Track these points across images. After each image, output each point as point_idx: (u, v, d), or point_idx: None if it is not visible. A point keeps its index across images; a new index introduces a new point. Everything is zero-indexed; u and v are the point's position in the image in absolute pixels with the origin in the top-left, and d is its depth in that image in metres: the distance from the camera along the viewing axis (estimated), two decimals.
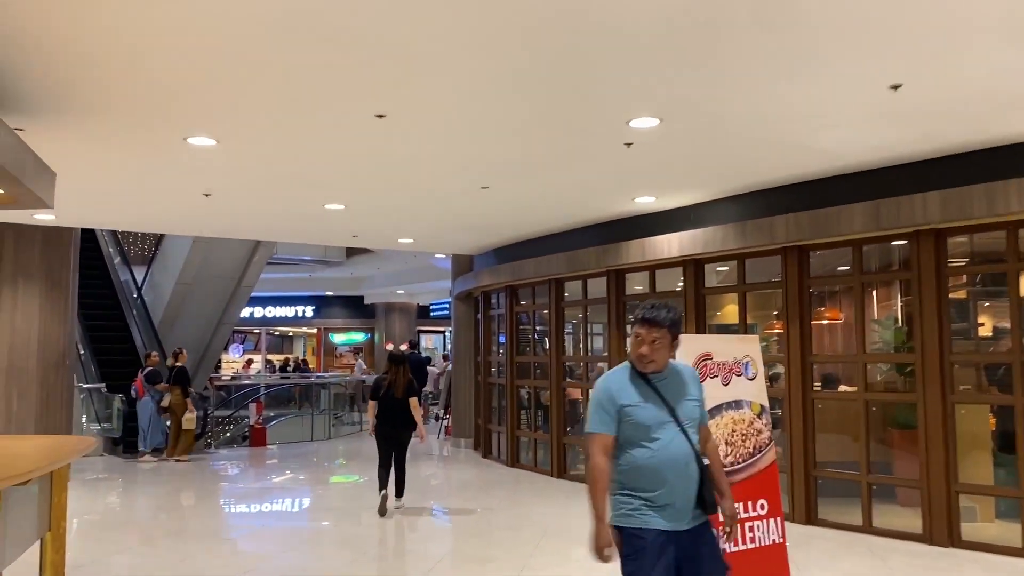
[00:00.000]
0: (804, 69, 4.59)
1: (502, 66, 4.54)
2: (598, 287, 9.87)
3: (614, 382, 3.27)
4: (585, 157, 6.60)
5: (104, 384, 13.82)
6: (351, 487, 10.16)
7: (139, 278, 18.08)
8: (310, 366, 24.43)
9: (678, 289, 8.80)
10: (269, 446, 14.52)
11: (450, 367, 16.02)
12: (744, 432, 4.90)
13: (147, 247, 20.56)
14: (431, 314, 25.78)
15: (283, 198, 8.16)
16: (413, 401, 7.90)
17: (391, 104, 5.17)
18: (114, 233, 18.59)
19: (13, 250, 9.56)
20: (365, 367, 25.54)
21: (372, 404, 7.95)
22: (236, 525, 8.23)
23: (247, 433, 14.93)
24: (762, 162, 6.78)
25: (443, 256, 16.03)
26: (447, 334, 27.57)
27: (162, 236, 18.44)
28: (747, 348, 5.07)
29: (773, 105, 5.25)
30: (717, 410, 4.83)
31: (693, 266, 8.51)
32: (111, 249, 17.65)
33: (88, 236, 18.10)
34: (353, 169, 6.94)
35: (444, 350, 27.83)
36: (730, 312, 9.02)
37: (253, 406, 14.86)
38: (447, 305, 24.61)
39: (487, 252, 12.26)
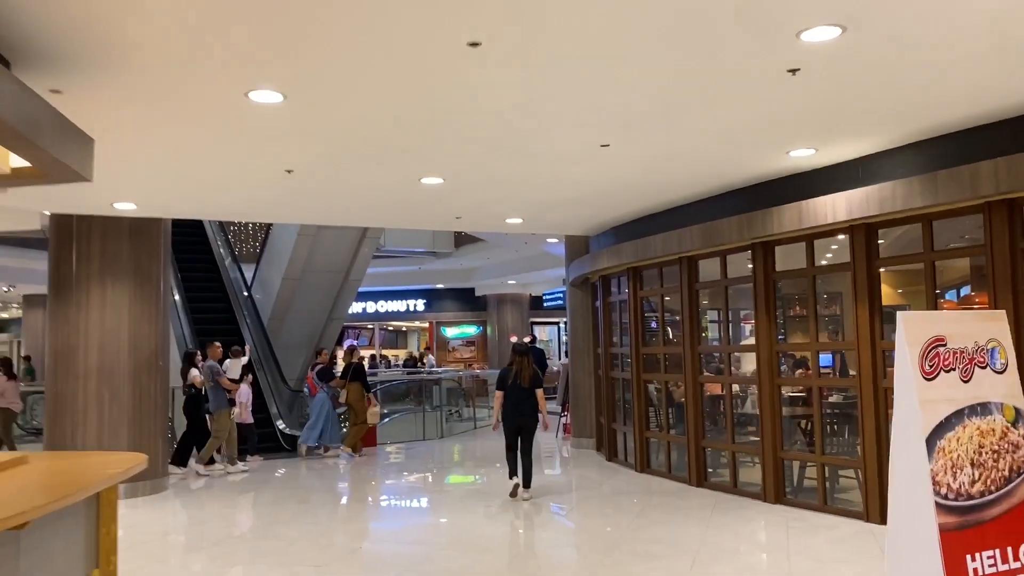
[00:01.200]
0: None
1: None
2: (739, 265, 8.40)
3: None
4: (732, 95, 5.21)
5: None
6: (471, 488, 9.11)
7: (249, 276, 17.79)
8: (432, 361, 23.63)
9: (842, 262, 7.24)
10: (379, 445, 13.75)
11: (565, 361, 15.12)
12: (995, 448, 3.44)
13: (257, 245, 20.39)
14: (544, 304, 24.65)
15: (372, 172, 7.13)
16: (539, 392, 8.30)
17: (485, 31, 3.98)
18: (224, 231, 18.42)
19: (100, 244, 8.99)
20: (435, 362, 24.47)
21: (499, 394, 8.34)
22: (365, 529, 7.31)
23: None
24: (974, 86, 5.19)
25: (555, 240, 14.81)
26: (562, 325, 26.40)
27: (268, 232, 18.08)
28: (992, 329, 3.59)
29: None
30: (957, 418, 3.38)
31: (864, 232, 6.93)
32: (222, 250, 17.41)
33: (199, 235, 18.03)
34: (448, 125, 5.80)
35: (560, 342, 26.67)
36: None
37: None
38: (561, 295, 23.45)
39: (605, 232, 10.96)
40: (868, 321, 6.90)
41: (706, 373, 9.06)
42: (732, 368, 8.74)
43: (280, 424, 14.05)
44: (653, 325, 10.19)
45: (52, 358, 9.03)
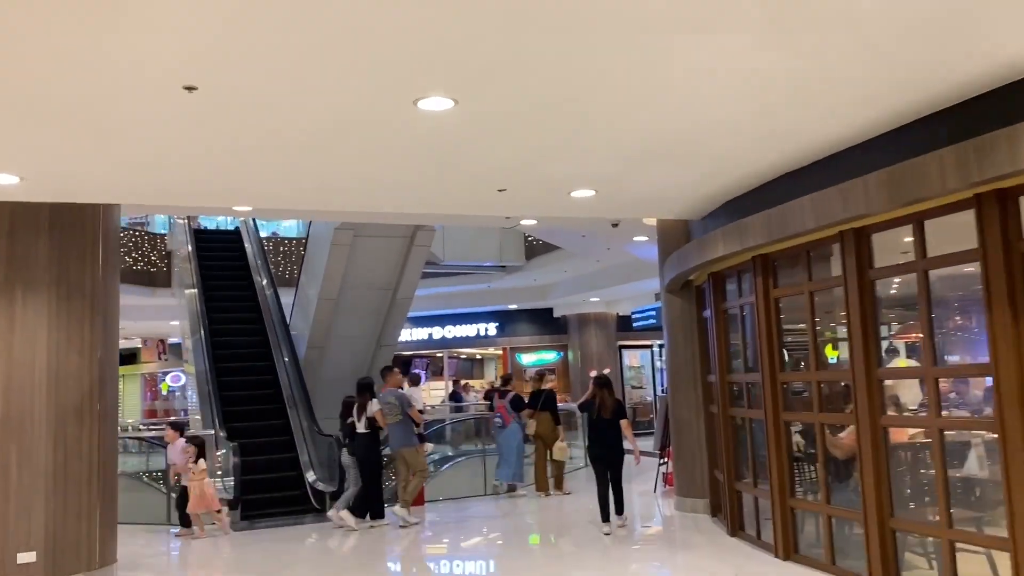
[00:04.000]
0: None
1: None
2: (946, 232, 5.18)
3: None
4: None
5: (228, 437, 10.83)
6: None
7: (289, 303, 15.38)
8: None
9: None
10: (427, 503, 10.85)
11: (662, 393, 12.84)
12: None
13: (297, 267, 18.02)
14: (633, 325, 21.40)
15: (344, 89, 4.28)
16: (624, 423, 8.20)
17: None
18: (262, 250, 16.07)
19: (7, 242, 6.47)
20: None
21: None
22: None
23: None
24: None
25: (644, 239, 11.71)
26: (656, 348, 23.02)
27: (306, 247, 15.62)
28: None
29: None
30: None
31: None
32: (259, 272, 15.05)
33: (235, 255, 15.75)
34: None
35: (654, 371, 23.28)
36: None
37: None
38: (654, 312, 20.15)
39: (714, 212, 7.84)
40: None
41: (890, 412, 5.78)
42: (941, 404, 5.43)
43: (310, 476, 11.36)
44: (788, 340, 7.00)
45: None
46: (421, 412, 9.73)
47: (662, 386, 22.75)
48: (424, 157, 5.66)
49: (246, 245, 16.05)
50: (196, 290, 14.20)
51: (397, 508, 9.12)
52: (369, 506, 9.34)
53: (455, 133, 5.09)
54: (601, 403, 8.18)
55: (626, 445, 8.38)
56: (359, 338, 14.41)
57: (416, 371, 26.07)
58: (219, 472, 10.68)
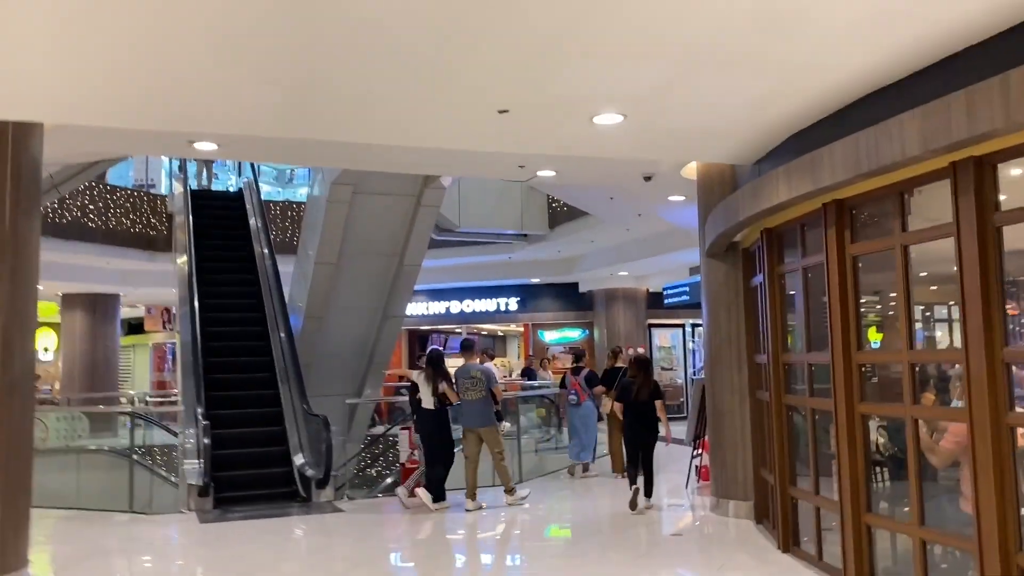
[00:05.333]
0: None
1: None
2: None
3: None
4: None
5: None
6: None
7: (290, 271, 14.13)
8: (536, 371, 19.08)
9: None
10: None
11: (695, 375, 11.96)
12: None
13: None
14: (664, 302, 19.84)
15: None
16: (659, 404, 8.22)
17: None
18: (263, 214, 14.74)
19: None
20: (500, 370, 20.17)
21: (619, 406, 8.37)
22: None
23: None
24: None
25: (681, 199, 10.20)
26: (688, 327, 21.47)
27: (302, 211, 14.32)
28: None
29: None
30: None
31: None
32: (260, 237, 13.77)
33: (237, 219, 14.49)
34: None
35: (686, 352, 21.73)
36: None
37: (404, 436, 9.91)
38: (686, 288, 18.58)
39: (772, 152, 6.34)
40: None
41: (1019, 409, 4.27)
42: None
43: (299, 460, 10.11)
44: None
45: None
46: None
47: (694, 368, 21.26)
48: (401, 57, 4.23)
49: (248, 208, 14.79)
50: (187, 255, 12.96)
51: (508, 499, 8.65)
52: (431, 487, 8.49)
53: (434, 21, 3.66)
54: (640, 383, 8.14)
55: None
56: (362, 309, 13.07)
57: (434, 346, 24.76)
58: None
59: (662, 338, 21.70)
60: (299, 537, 8.02)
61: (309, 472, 9.70)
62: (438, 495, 8.46)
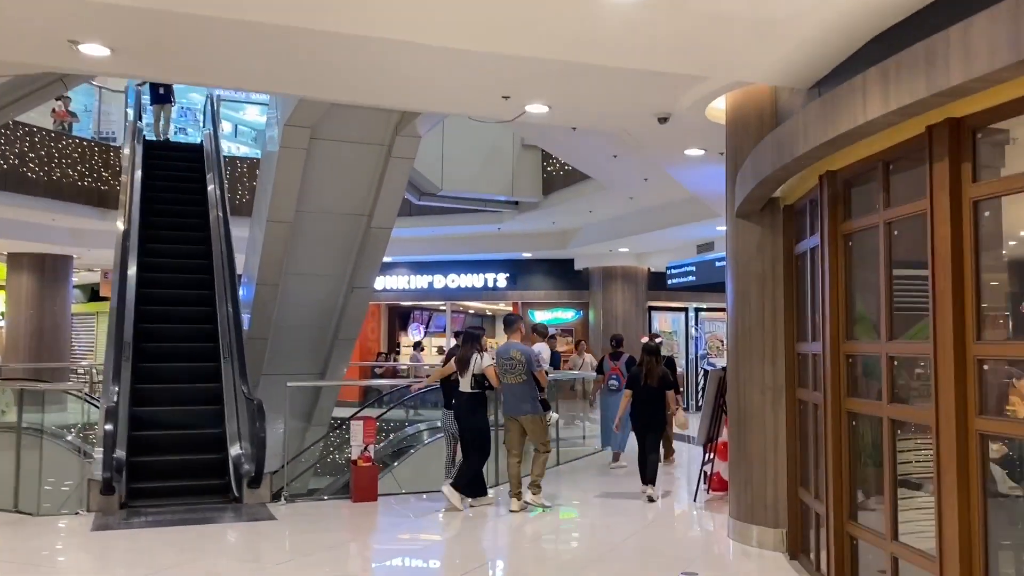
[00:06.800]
0: None
1: None
2: None
3: None
4: None
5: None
6: None
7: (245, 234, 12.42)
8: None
9: None
10: (381, 498, 7.91)
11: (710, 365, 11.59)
12: None
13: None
14: (668, 283, 18.18)
15: None
16: (670, 394, 8.33)
17: None
18: (220, 168, 12.94)
19: None
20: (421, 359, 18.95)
21: (628, 393, 8.39)
22: None
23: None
24: None
25: (700, 152, 8.46)
26: (690, 312, 19.77)
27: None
28: None
29: None
30: None
31: None
32: (216, 195, 12.01)
33: (198, 186, 12.75)
34: None
35: (687, 339, 20.09)
36: None
37: (357, 426, 8.23)
38: (692, 268, 16.90)
39: (838, 68, 4.63)
40: None
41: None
42: None
43: (235, 451, 8.46)
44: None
45: None
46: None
47: (697, 354, 19.67)
48: None
49: (205, 162, 13.06)
50: (126, 211, 11.23)
51: (529, 496, 7.58)
52: (469, 481, 7.64)
53: None
54: (648, 371, 8.21)
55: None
56: (324, 277, 11.37)
57: (416, 326, 22.93)
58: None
59: (663, 322, 20.04)
60: (204, 557, 6.29)
61: (244, 468, 8.05)
62: (476, 490, 7.64)
